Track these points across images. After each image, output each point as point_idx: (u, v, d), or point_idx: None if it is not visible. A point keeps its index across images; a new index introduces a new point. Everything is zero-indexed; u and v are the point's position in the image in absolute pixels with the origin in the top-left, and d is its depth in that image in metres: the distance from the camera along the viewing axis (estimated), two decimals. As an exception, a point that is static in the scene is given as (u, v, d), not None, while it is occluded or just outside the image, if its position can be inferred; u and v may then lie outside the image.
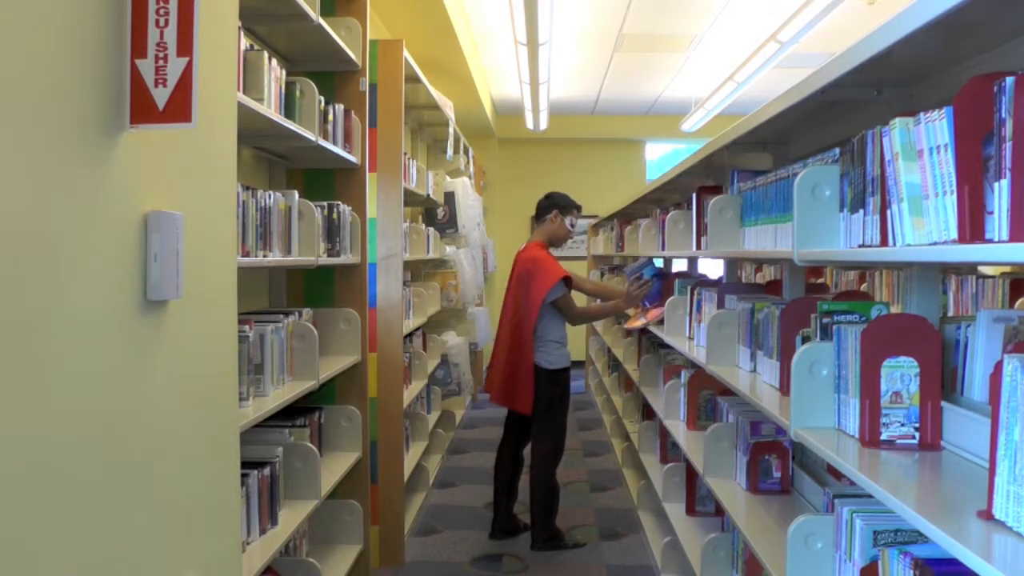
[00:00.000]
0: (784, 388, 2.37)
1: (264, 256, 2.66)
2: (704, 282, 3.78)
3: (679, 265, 5.36)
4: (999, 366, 1.30)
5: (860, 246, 1.76)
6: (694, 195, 3.44)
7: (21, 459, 1.26)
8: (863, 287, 4.42)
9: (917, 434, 1.78)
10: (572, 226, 4.59)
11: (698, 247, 3.39)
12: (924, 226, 1.46)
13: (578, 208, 4.63)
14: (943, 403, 1.79)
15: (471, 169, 7.97)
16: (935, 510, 1.38)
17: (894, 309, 2.16)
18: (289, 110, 2.92)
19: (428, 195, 5.72)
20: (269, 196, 2.71)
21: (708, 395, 3.65)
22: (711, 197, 3.02)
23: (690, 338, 3.73)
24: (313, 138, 3.03)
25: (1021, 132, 1.17)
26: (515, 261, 4.58)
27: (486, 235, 8.53)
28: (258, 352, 2.70)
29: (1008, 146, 1.19)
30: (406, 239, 4.96)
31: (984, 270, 3.84)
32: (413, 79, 4.90)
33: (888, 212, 1.59)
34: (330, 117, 3.33)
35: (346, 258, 3.52)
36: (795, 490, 2.84)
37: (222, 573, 2.03)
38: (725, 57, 7.69)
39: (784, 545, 1.96)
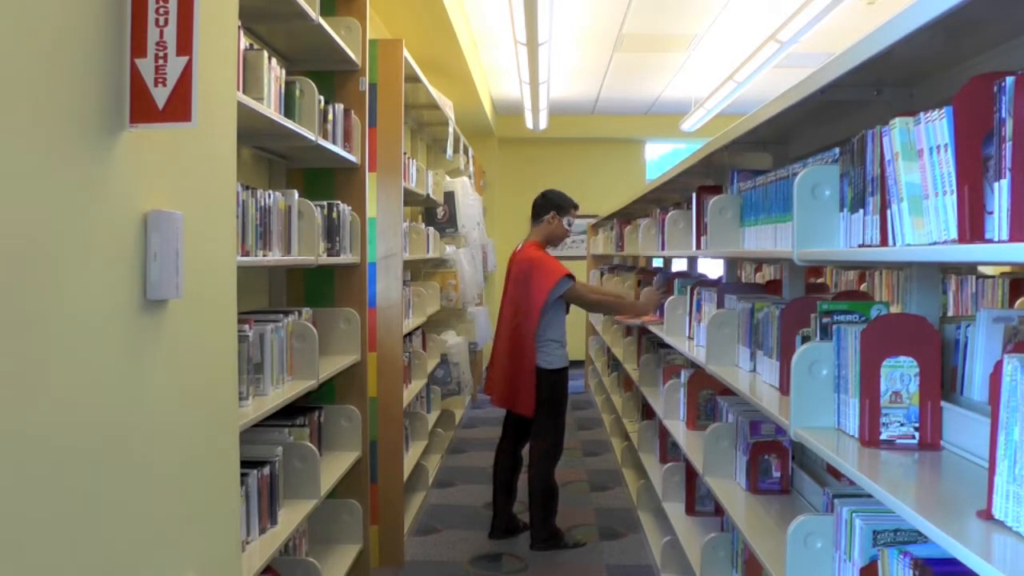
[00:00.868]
0: (784, 388, 2.37)
1: (264, 255, 2.66)
2: (704, 282, 3.78)
3: (679, 265, 5.36)
4: (999, 366, 1.30)
5: (860, 246, 1.76)
6: (694, 195, 3.44)
7: (20, 459, 1.26)
8: (863, 287, 4.42)
9: (917, 434, 1.78)
10: (570, 225, 4.56)
11: (698, 247, 3.39)
12: (924, 226, 1.45)
13: (575, 207, 4.59)
14: (943, 403, 1.79)
15: (471, 169, 7.97)
16: (935, 510, 1.38)
17: (894, 309, 2.15)
18: (289, 110, 2.92)
19: (428, 195, 5.72)
20: (269, 195, 2.71)
21: (708, 395, 3.65)
22: (711, 197, 3.02)
23: (690, 338, 3.73)
24: (313, 138, 3.02)
25: (1021, 132, 1.17)
26: (511, 262, 4.56)
27: (486, 235, 8.53)
28: (258, 351, 2.70)
29: (1008, 146, 1.19)
30: (406, 239, 4.96)
31: (984, 270, 3.84)
32: (413, 79, 4.90)
33: (888, 212, 1.59)
34: (330, 117, 3.32)
35: (346, 258, 3.52)
36: (795, 490, 2.84)
37: (221, 573, 2.03)
38: (725, 57, 7.69)
39: (784, 545, 1.96)
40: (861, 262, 3.80)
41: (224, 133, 2.06)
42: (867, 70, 1.69)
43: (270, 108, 2.67)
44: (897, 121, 1.54)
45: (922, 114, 1.45)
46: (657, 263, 6.18)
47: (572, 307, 4.53)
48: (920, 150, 1.46)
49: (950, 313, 3.86)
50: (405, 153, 4.65)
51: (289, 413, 3.22)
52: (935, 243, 1.41)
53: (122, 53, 1.54)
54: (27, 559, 1.27)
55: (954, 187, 1.35)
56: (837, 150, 1.98)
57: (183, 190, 1.80)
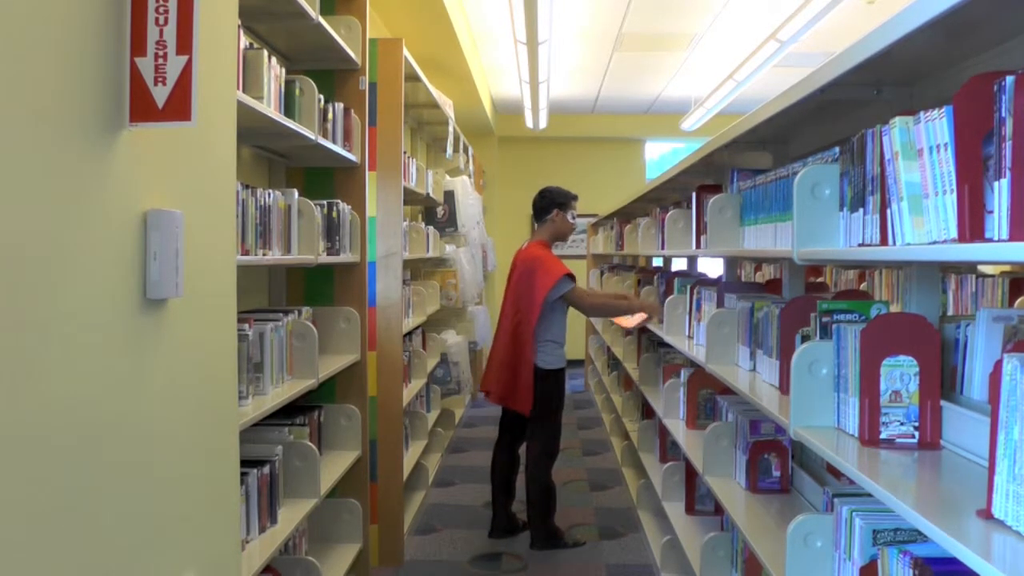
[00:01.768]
0: (784, 387, 2.37)
1: (264, 255, 2.66)
2: (704, 281, 3.78)
3: (679, 264, 5.36)
4: (999, 365, 1.30)
5: (860, 245, 1.76)
6: (694, 194, 3.44)
7: (20, 458, 1.26)
8: (863, 286, 4.41)
9: (916, 433, 1.78)
10: (574, 219, 4.56)
11: (698, 246, 3.39)
12: (924, 225, 1.46)
13: (575, 198, 4.57)
14: (942, 402, 1.79)
15: (471, 168, 7.97)
16: (934, 509, 1.38)
17: (894, 308, 2.16)
18: (289, 109, 2.92)
19: (428, 194, 5.72)
20: (269, 195, 2.71)
21: (707, 394, 3.65)
22: (711, 196, 3.01)
23: (689, 337, 3.73)
24: (313, 137, 3.02)
25: (1021, 131, 1.17)
26: (515, 261, 4.56)
27: (486, 234, 8.52)
28: (257, 351, 2.69)
29: (1008, 145, 1.19)
30: (406, 238, 4.96)
31: (984, 269, 3.84)
32: (413, 78, 4.90)
33: (888, 211, 1.59)
34: (330, 116, 3.32)
35: (346, 257, 3.52)
36: (794, 489, 2.84)
37: (221, 572, 2.03)
38: (725, 56, 7.69)
39: (784, 544, 1.96)
40: (861, 261, 3.80)
41: (224, 132, 2.06)
42: (867, 69, 1.69)
43: (270, 107, 2.67)
44: (897, 120, 1.54)
45: (922, 113, 1.45)
46: (657, 262, 6.18)
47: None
48: (920, 149, 1.46)
49: (950, 312, 3.86)
50: (405, 152, 4.65)
51: (289, 412, 3.22)
52: (935, 242, 1.41)
53: (122, 52, 1.54)
54: (26, 558, 1.27)
55: (954, 186, 1.35)
56: (837, 149, 1.98)
57: (183, 189, 1.80)
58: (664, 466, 3.98)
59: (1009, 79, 1.20)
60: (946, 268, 3.75)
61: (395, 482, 4.30)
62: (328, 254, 3.30)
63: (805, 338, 2.26)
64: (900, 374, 1.79)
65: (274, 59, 2.75)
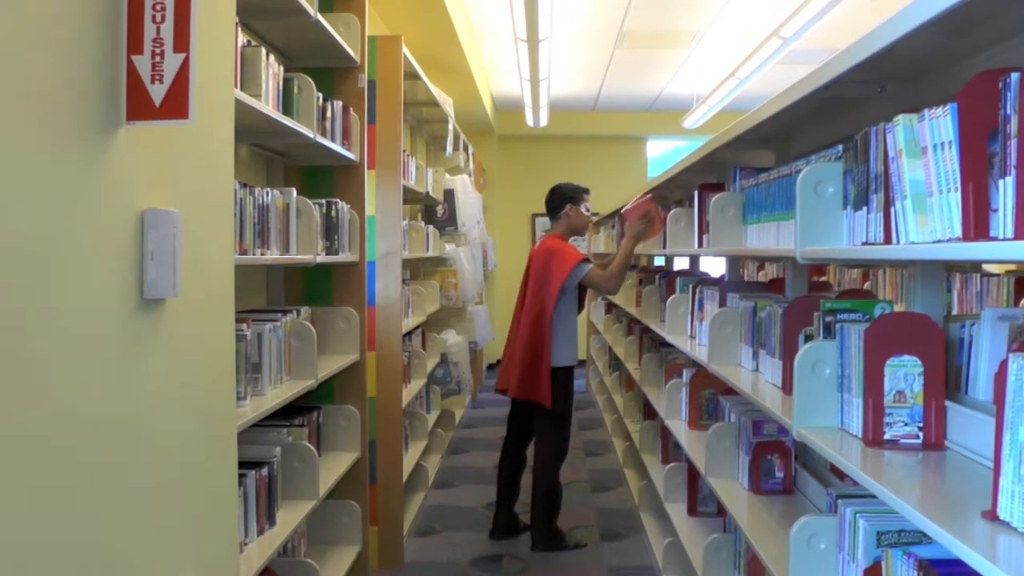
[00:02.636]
0: (787, 387, 2.36)
1: (262, 254, 2.66)
2: (706, 280, 3.78)
3: (681, 263, 5.36)
4: (1004, 365, 1.30)
5: (863, 244, 1.76)
6: (696, 192, 3.44)
7: (19, 459, 1.26)
8: (866, 285, 4.42)
9: (921, 434, 1.78)
10: (588, 212, 4.57)
11: (700, 245, 3.39)
12: (928, 224, 1.45)
13: (587, 191, 4.58)
14: (947, 402, 1.79)
15: (471, 166, 7.97)
16: (939, 510, 1.38)
17: (898, 308, 2.15)
18: (287, 107, 2.92)
19: (427, 192, 5.71)
20: (267, 193, 2.71)
21: (710, 394, 3.64)
22: (713, 195, 3.01)
23: (692, 337, 3.73)
24: (311, 135, 3.02)
25: (1026, 129, 1.17)
26: (531, 257, 4.55)
27: (486, 233, 8.53)
28: (256, 351, 2.69)
29: (1013, 143, 1.19)
30: (405, 237, 4.96)
31: (989, 268, 3.84)
32: (412, 76, 4.90)
33: (892, 209, 1.59)
34: (328, 114, 3.32)
35: (344, 256, 3.52)
36: (798, 490, 2.84)
37: (219, 574, 2.03)
38: (727, 53, 7.68)
39: (787, 546, 1.96)
40: (864, 260, 3.80)
41: (222, 130, 2.06)
42: (870, 66, 1.69)
43: (268, 105, 2.66)
44: (901, 118, 1.54)
45: (926, 111, 1.45)
46: (659, 262, 6.18)
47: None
48: (924, 147, 1.46)
49: (954, 312, 3.86)
50: (404, 150, 4.65)
51: (287, 413, 3.21)
52: (939, 241, 1.41)
53: (118, 50, 1.54)
54: (24, 558, 1.27)
55: (958, 184, 1.35)
56: (840, 147, 1.97)
57: (180, 188, 1.80)
58: (666, 467, 3.98)
59: (1014, 76, 1.20)
60: (951, 267, 3.75)
61: (395, 483, 4.30)
62: (327, 253, 3.30)
63: (808, 338, 2.26)
64: (904, 374, 1.79)
65: (272, 57, 2.75)
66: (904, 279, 3.87)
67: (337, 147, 3.38)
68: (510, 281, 10.94)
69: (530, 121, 9.72)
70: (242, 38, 2.58)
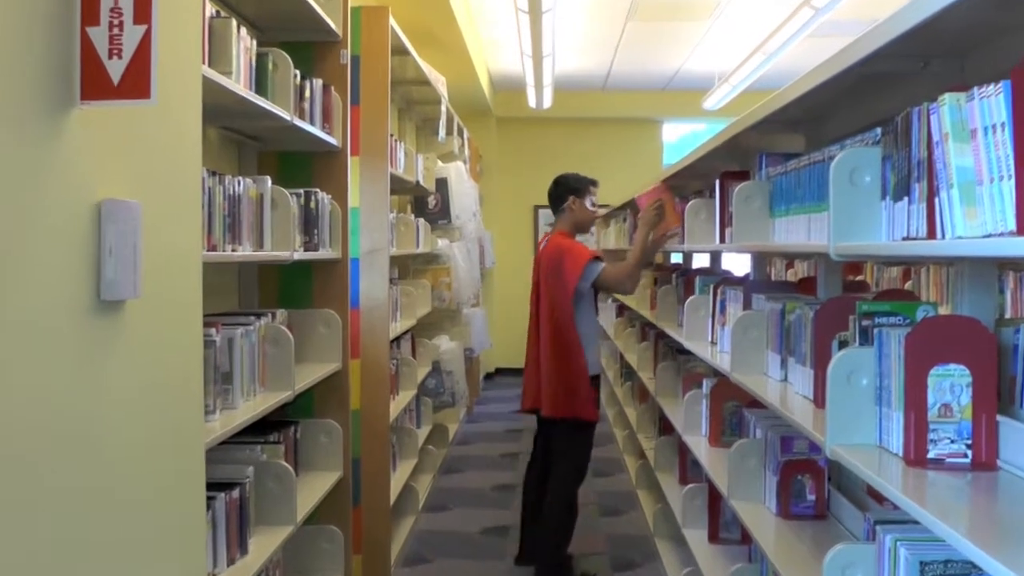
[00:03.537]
0: (819, 400, 2.36)
1: (233, 250, 2.66)
2: (728, 280, 3.78)
3: (700, 260, 5.36)
4: (1062, 374, 1.29)
5: (904, 239, 1.76)
6: (717, 181, 3.44)
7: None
8: (907, 285, 4.42)
9: (969, 452, 1.78)
10: (594, 205, 4.57)
11: (722, 240, 3.39)
12: (977, 216, 1.45)
13: (594, 183, 4.59)
14: (999, 417, 1.79)
15: (466, 152, 7.97)
16: (991, 538, 1.38)
17: (943, 310, 2.15)
18: (260, 85, 2.92)
19: (418, 182, 5.71)
20: (238, 182, 2.70)
21: (733, 407, 3.65)
22: (736, 184, 3.02)
23: (712, 343, 3.73)
24: (288, 117, 3.02)
25: (1088, 110, 1.17)
26: (538, 260, 4.55)
27: (483, 226, 8.53)
28: (226, 359, 2.69)
29: (1073, 126, 1.19)
30: (393, 231, 4.96)
31: (1045, 266, 3.84)
32: (400, 51, 4.89)
33: (936, 200, 1.59)
34: (307, 93, 3.32)
35: (325, 252, 3.51)
36: (831, 515, 2.84)
37: (185, 608, 2.03)
38: (752, 25, 7.68)
39: (819, 576, 1.95)
40: (906, 257, 3.79)
41: (188, 112, 2.05)
42: (913, 39, 1.69)
43: (239, 83, 2.66)
44: (947, 97, 1.54)
45: (976, 89, 1.45)
46: (676, 259, 6.18)
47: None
48: (973, 130, 1.46)
49: (1007, 315, 3.86)
50: (392, 135, 4.64)
51: (261, 428, 3.21)
52: (990, 235, 1.41)
53: (71, 21, 1.54)
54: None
55: (1012, 171, 1.34)
56: (879, 130, 1.97)
57: (141, 176, 1.80)
58: (684, 488, 3.98)
59: (1074, 51, 1.20)
60: (1003, 264, 3.75)
61: (381, 506, 4.30)
62: (306, 249, 3.30)
63: (843, 344, 2.26)
64: (950, 385, 1.79)
65: (244, 29, 2.75)
66: (950, 278, 3.87)
67: (317, 131, 3.38)
68: (509, 280, 10.98)
69: (532, 102, 9.72)
70: (210, 8, 2.58)
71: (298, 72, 3.19)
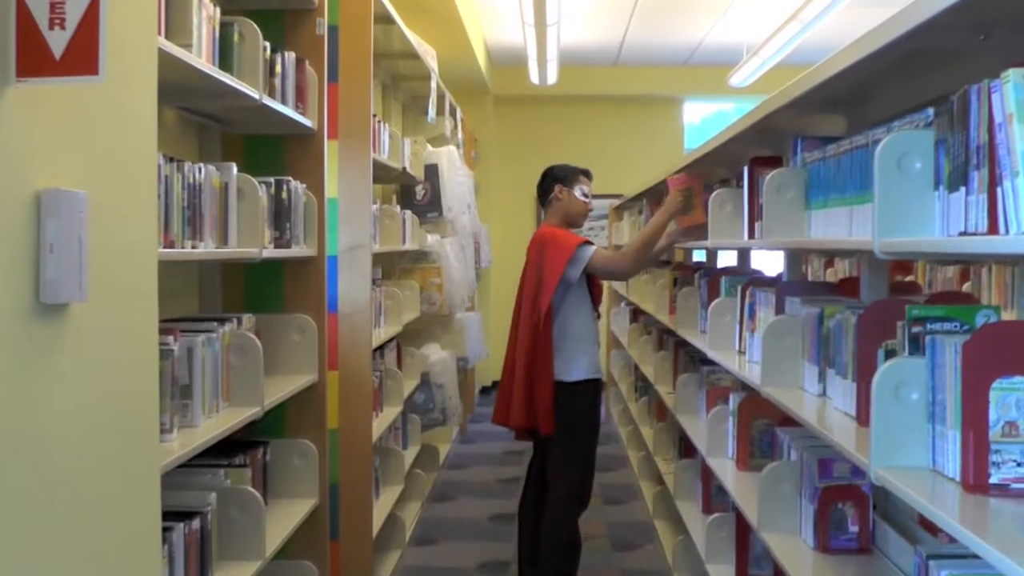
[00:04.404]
0: (862, 417, 2.36)
1: (193, 247, 2.66)
2: (758, 280, 3.78)
3: (726, 258, 5.36)
4: None
5: (961, 234, 1.76)
6: (746, 169, 3.45)
7: None
8: (965, 287, 4.41)
9: (1036, 476, 1.78)
10: (585, 196, 4.61)
11: (751, 235, 3.39)
12: (1046, 208, 1.45)
13: (584, 172, 4.65)
14: (1070, 437, 1.78)
15: (459, 136, 7.98)
16: (1061, 576, 1.37)
17: (1006, 315, 2.15)
18: (225, 59, 2.92)
19: (404, 169, 5.71)
20: (199, 170, 2.71)
21: (764, 426, 3.65)
22: (768, 171, 3.02)
23: (740, 352, 3.73)
24: (255, 95, 3.02)
25: None
26: (527, 252, 4.57)
27: (479, 220, 8.53)
28: (185, 371, 2.70)
29: None
30: (376, 225, 4.96)
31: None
32: (385, 19, 4.90)
33: (998, 190, 1.58)
34: (277, 69, 3.32)
35: (299, 250, 3.51)
36: (876, 548, 2.84)
37: (138, 656, 2.02)
38: (785, -9, 7.69)
39: (863, 620, 1.95)
40: (963, 255, 3.79)
41: (141, 90, 2.05)
42: (972, 7, 1.68)
43: (200, 57, 2.67)
44: (1011, 73, 1.54)
45: (1043, 63, 1.45)
46: (699, 256, 6.18)
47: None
48: (1040, 110, 1.45)
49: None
50: (375, 116, 4.64)
51: (225, 450, 3.21)
52: (1060, 230, 1.40)
53: (6, -15, 1.53)
54: None
55: (1085, 158, 1.34)
56: (931, 111, 1.97)
57: (88, 163, 1.79)
58: (708, 518, 3.98)
59: None
60: (1071, 263, 3.75)
61: (362, 539, 4.29)
62: (276, 246, 3.30)
63: (890, 353, 2.26)
64: (1016, 400, 1.78)
65: (206, -5, 2.75)
66: (1015, 279, 3.86)
67: (289, 111, 3.38)
68: (509, 281, 10.86)
69: (535, 78, 9.72)
70: (167, -28, 2.57)
71: (268, 44, 3.19)
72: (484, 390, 10.38)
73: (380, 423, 4.82)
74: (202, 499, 2.81)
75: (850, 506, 2.85)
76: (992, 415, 1.79)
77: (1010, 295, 3.96)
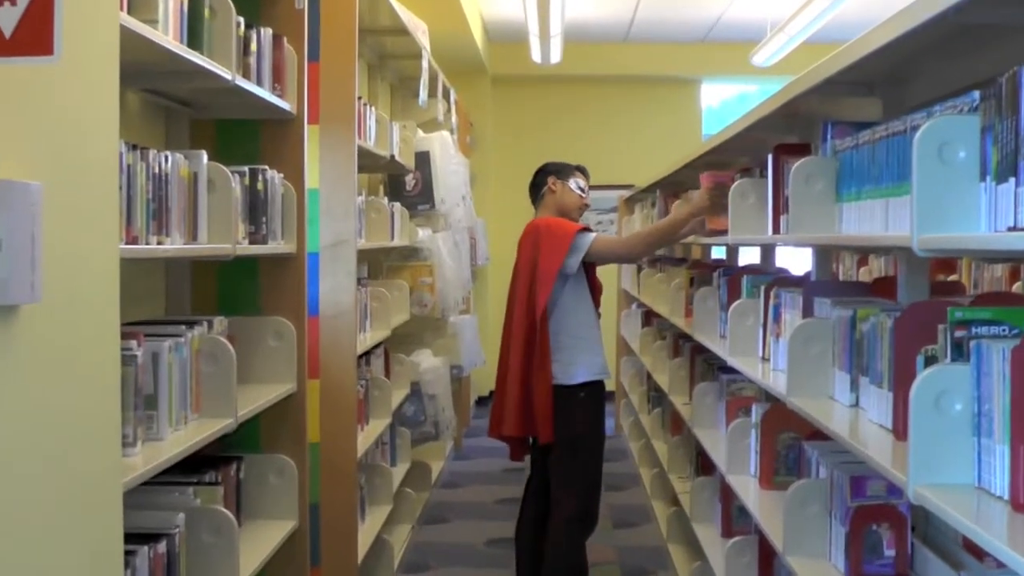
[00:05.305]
0: (899, 430, 2.36)
1: (159, 243, 2.66)
2: (784, 280, 3.78)
3: (749, 255, 5.36)
4: None
5: (1010, 229, 1.76)
6: (770, 157, 3.44)
7: None
8: (1016, 287, 4.41)
9: (1092, 497, 1.77)
10: (581, 189, 4.67)
11: (775, 230, 3.39)
12: (1103, 200, 1.45)
13: (580, 169, 4.75)
14: None
15: (453, 120, 7.97)
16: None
17: (1058, 318, 2.15)
18: (194, 36, 2.92)
19: (392, 156, 5.71)
20: (166, 159, 2.70)
21: (790, 440, 3.65)
22: (794, 160, 3.02)
23: (764, 359, 3.73)
24: (228, 76, 3.02)
25: None
26: (519, 247, 4.60)
27: (474, 213, 8.54)
28: (150, 379, 2.69)
29: None
30: (362, 219, 4.96)
31: None
32: (371, -8, 4.90)
33: (1051, 181, 1.58)
34: (252, 47, 3.32)
35: (276, 246, 3.52)
36: (915, 575, 2.84)
37: None
38: (813, -39, 7.70)
39: (900, 655, 1.95)
40: (1012, 252, 3.79)
41: (101, 71, 2.05)
42: (1020, -22, 1.68)
43: (167, 35, 2.66)
44: (1064, 50, 1.53)
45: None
46: (718, 253, 6.17)
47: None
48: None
49: None
50: (360, 98, 4.64)
51: (195, 466, 3.21)
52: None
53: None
54: None
55: None
56: (976, 94, 1.97)
57: (42, 152, 1.79)
58: (728, 542, 3.98)
59: None
60: None
61: (346, 565, 4.30)
62: (251, 242, 3.31)
63: (930, 360, 2.26)
64: (1068, 412, 1.78)
65: (173, -35, 2.75)
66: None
67: (265, 93, 3.38)
68: (507, 281, 10.89)
69: (537, 56, 9.73)
70: (131, -61, 2.57)
71: (241, 20, 3.18)
72: (480, 401, 10.37)
73: (366, 437, 4.82)
74: (169, 520, 2.80)
75: (886, 528, 2.85)
76: (1044, 428, 1.79)
77: (1063, 296, 3.96)
